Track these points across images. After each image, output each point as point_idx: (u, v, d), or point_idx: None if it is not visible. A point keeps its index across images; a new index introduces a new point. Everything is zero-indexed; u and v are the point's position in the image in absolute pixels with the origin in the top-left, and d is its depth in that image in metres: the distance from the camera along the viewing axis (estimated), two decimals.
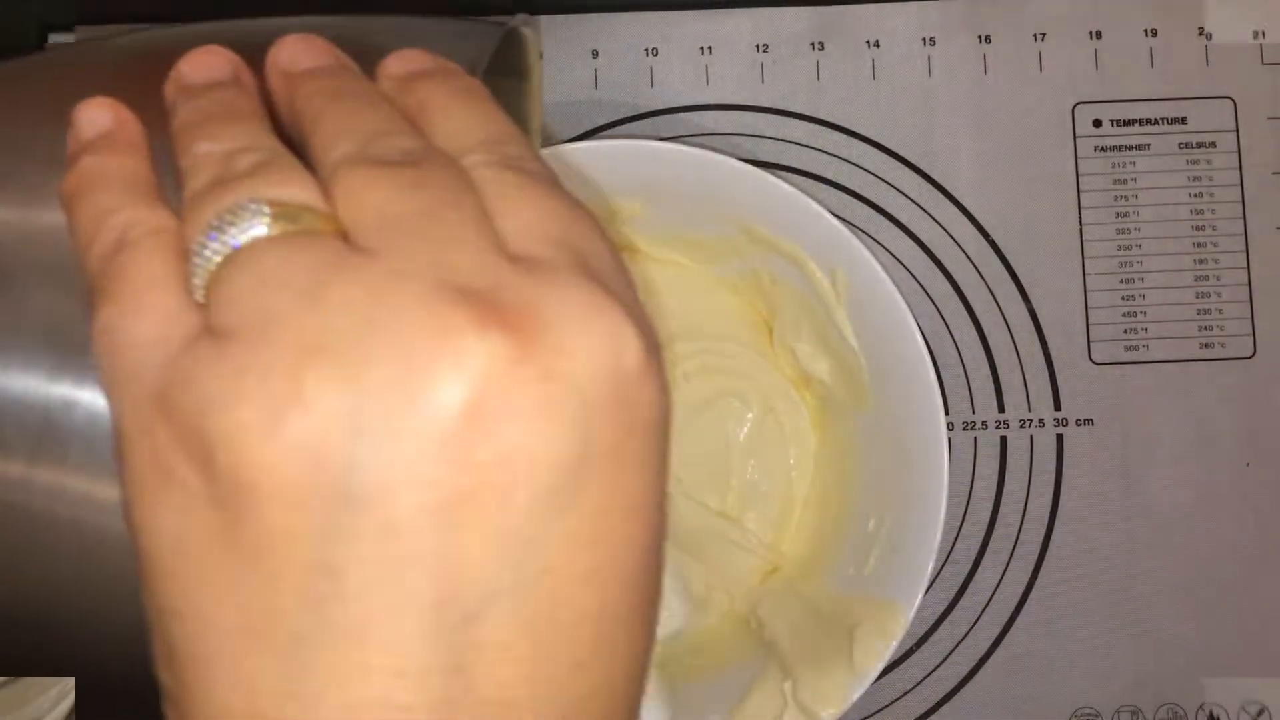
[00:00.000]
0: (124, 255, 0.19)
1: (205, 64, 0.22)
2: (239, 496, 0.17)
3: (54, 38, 0.47)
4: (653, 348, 0.19)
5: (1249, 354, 0.48)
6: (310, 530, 0.17)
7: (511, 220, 0.19)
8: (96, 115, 0.22)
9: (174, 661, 0.18)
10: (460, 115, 0.21)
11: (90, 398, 0.23)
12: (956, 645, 0.47)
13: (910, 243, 0.48)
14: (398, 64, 0.22)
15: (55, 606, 0.25)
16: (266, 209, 0.18)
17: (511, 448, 0.17)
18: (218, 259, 0.18)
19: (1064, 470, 0.47)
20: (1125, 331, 0.48)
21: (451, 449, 0.17)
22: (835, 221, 0.40)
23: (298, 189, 0.19)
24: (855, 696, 0.40)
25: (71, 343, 0.23)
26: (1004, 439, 0.47)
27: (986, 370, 0.47)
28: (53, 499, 0.24)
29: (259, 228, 0.18)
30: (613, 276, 0.20)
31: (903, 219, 0.48)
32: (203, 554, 0.18)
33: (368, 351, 0.17)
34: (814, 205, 0.40)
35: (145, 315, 0.19)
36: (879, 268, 0.40)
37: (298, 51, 0.22)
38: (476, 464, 0.17)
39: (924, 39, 0.48)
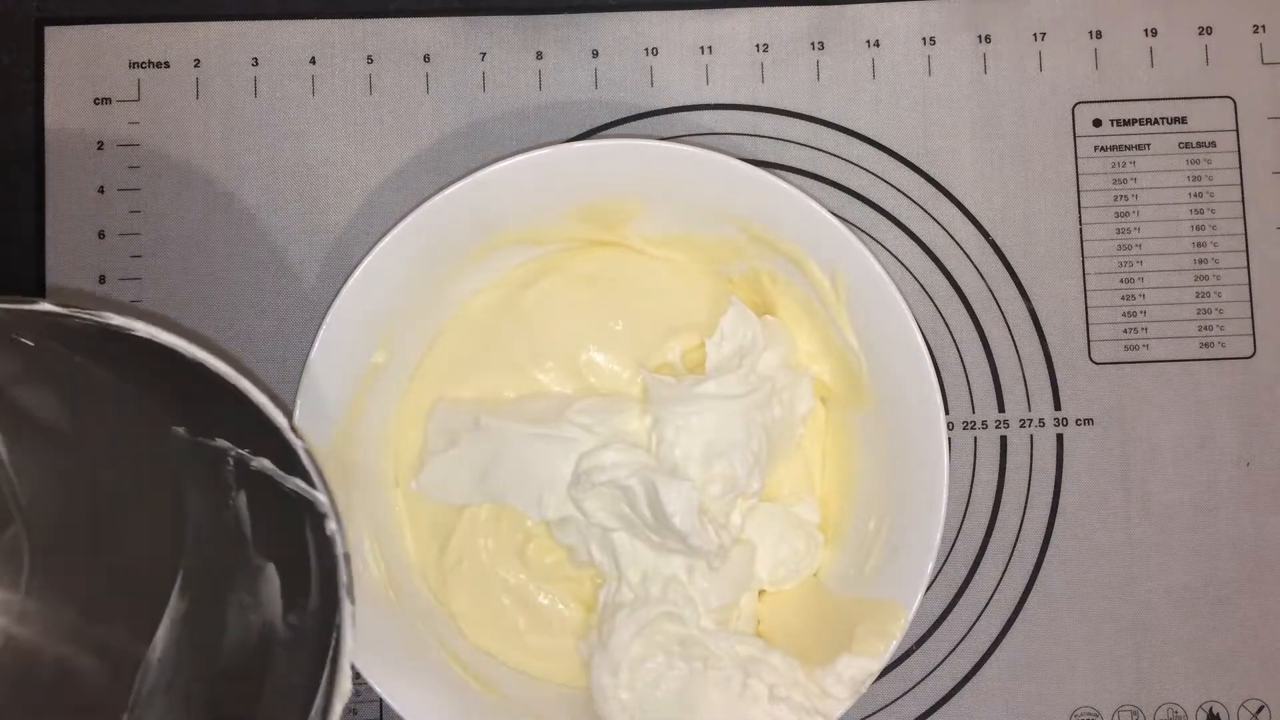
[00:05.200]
0: None
1: None
2: None
3: (50, 31, 0.47)
4: None
5: (1249, 354, 0.48)
6: None
7: None
8: None
9: None
10: None
11: None
12: (956, 645, 0.47)
13: (910, 243, 0.48)
14: None
15: None
16: None
17: None
18: None
19: (1064, 470, 0.47)
20: (1125, 331, 0.48)
21: None
22: (835, 221, 0.40)
23: None
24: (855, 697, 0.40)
25: None
26: (1004, 439, 0.47)
27: (986, 370, 0.47)
28: None
29: None
30: None
31: (903, 219, 0.48)
32: None
33: None
34: (814, 205, 0.40)
35: None
36: (879, 267, 0.40)
37: None
38: None
39: (924, 39, 0.48)
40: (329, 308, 0.40)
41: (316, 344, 0.40)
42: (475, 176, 0.40)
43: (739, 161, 0.40)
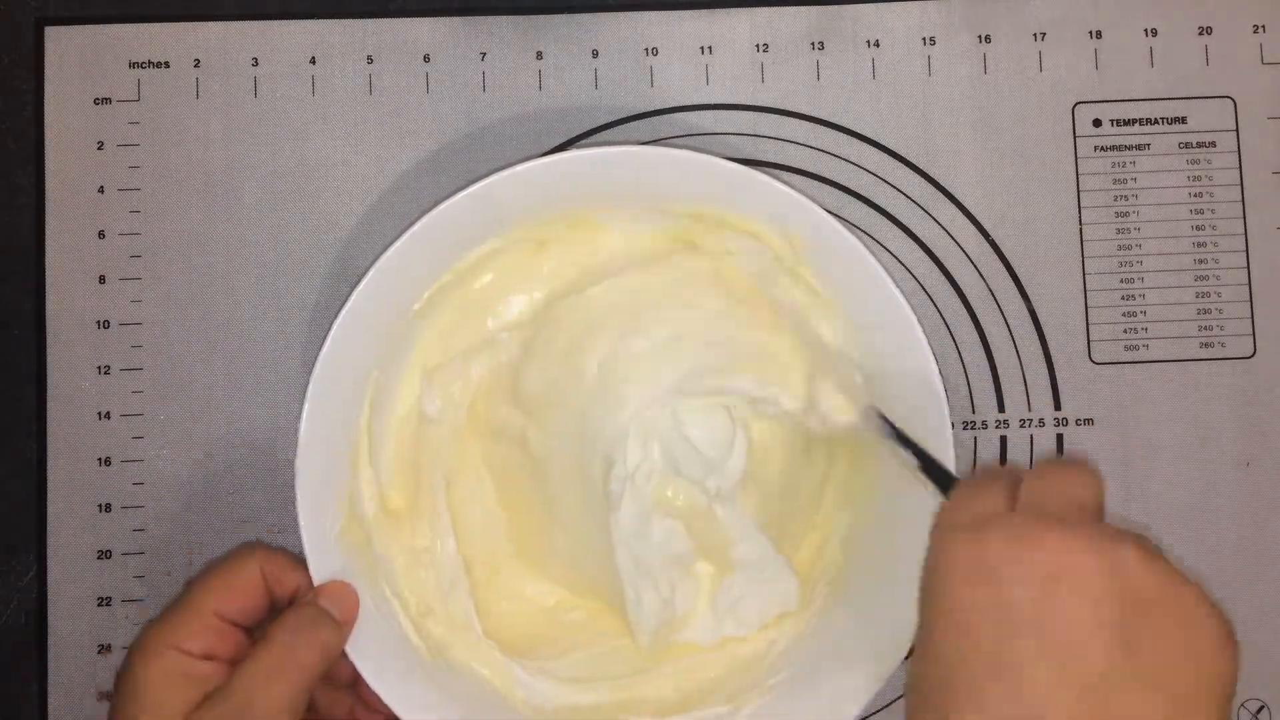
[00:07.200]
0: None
1: None
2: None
3: (50, 31, 0.47)
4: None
5: (1249, 354, 0.48)
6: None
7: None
8: None
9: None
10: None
11: None
12: None
13: (910, 243, 0.48)
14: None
15: None
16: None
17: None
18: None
19: None
20: (1125, 331, 0.48)
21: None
22: (774, 182, 0.40)
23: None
24: (868, 699, 0.41)
25: None
26: (1004, 439, 0.47)
27: (986, 370, 0.47)
28: None
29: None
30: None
31: (903, 219, 0.48)
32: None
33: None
34: (750, 171, 0.40)
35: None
36: (827, 215, 0.40)
37: None
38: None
39: (924, 39, 0.48)
40: (326, 337, 0.39)
41: (314, 378, 0.40)
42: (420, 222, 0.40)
43: (657, 149, 0.41)
